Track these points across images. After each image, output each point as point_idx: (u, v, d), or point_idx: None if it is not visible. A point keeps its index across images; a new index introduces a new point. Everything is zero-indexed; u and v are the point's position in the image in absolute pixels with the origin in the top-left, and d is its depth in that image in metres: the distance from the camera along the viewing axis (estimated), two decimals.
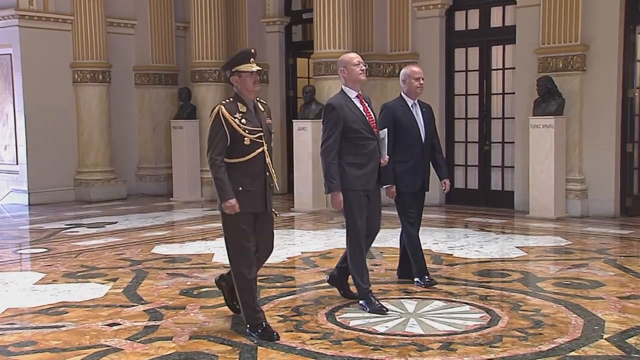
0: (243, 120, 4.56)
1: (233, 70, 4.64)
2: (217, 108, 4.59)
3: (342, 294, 5.55)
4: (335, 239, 8.21)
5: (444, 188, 6.14)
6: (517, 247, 7.58)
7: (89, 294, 5.80)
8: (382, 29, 11.31)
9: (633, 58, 9.47)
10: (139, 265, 6.89)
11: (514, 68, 10.40)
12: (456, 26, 11.07)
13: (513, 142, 10.42)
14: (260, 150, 4.60)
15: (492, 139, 10.79)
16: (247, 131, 4.55)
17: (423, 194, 6.02)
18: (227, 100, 4.68)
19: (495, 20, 10.71)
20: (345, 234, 5.37)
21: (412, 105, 5.88)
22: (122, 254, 7.53)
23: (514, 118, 10.39)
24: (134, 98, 13.15)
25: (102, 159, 12.28)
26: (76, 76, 12.10)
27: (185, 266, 6.90)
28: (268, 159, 4.64)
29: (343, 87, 5.33)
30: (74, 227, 9.42)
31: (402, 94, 5.93)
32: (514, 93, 10.40)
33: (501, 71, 10.68)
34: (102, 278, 6.38)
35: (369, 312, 5.10)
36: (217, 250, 7.59)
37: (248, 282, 4.61)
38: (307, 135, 10.56)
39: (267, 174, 4.65)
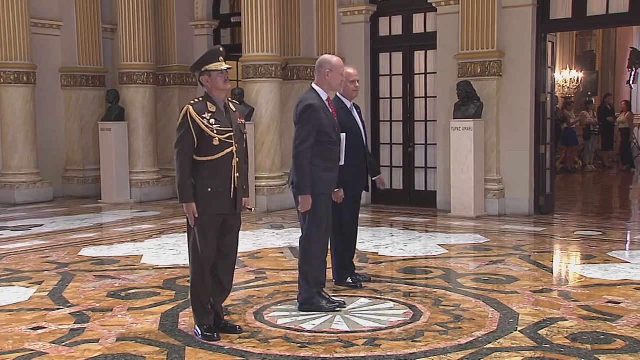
0: (212, 121, 4.45)
1: (203, 69, 4.54)
2: (185, 108, 4.48)
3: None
4: (264, 240, 8.30)
5: (380, 185, 6.16)
6: (439, 245, 7.81)
7: (12, 298, 5.69)
8: (309, 34, 11.48)
9: (544, 64, 9.87)
10: (66, 268, 6.80)
11: (435, 73, 10.68)
12: (380, 32, 11.30)
13: (435, 144, 10.71)
14: (229, 150, 4.51)
15: (416, 141, 11.06)
16: (215, 131, 4.45)
17: (360, 196, 6.02)
18: (196, 100, 4.56)
19: (418, 27, 10.96)
20: (306, 236, 5.23)
21: (350, 108, 5.83)
22: (48, 256, 7.42)
23: (436, 121, 10.68)
24: (60, 100, 12.92)
25: (27, 161, 12.04)
26: None
27: (114, 268, 6.86)
28: (236, 160, 4.55)
29: (316, 87, 5.20)
30: None
31: (338, 95, 5.81)
32: (435, 97, 10.69)
33: (423, 75, 10.94)
34: (26, 281, 6.27)
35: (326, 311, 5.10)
36: (146, 252, 7.60)
37: (203, 282, 4.58)
38: None
39: (237, 175, 4.57)
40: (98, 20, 12.96)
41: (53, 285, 6.11)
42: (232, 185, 4.55)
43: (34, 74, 12.04)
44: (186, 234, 4.68)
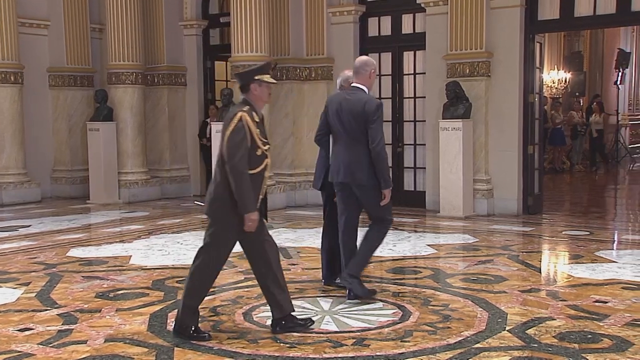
0: (258, 131, 4.44)
1: (257, 77, 4.53)
2: (240, 114, 4.38)
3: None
4: None
5: None
6: (428, 245, 7.83)
7: None
8: (299, 34, 11.48)
9: (532, 65, 9.92)
10: (54, 269, 6.77)
11: (424, 73, 10.72)
12: (369, 32, 11.32)
13: (424, 144, 10.74)
14: (266, 162, 4.53)
15: (405, 141, 11.07)
16: (261, 142, 4.46)
17: None
18: (245, 109, 4.45)
19: (406, 27, 10.99)
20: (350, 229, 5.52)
21: None
22: (35, 257, 7.38)
23: (425, 121, 10.72)
24: (48, 100, 12.86)
25: (14, 161, 11.97)
26: None
27: (102, 269, 6.83)
28: (268, 172, 4.61)
29: (361, 86, 5.35)
30: None
31: None
32: (424, 97, 10.72)
33: (412, 76, 10.97)
34: (13, 282, 6.24)
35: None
36: (135, 252, 7.58)
37: (207, 287, 4.64)
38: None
39: (265, 185, 4.62)
40: (86, 19, 12.90)
41: (41, 286, 6.08)
42: (261, 196, 4.58)
43: (21, 73, 11.97)
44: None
